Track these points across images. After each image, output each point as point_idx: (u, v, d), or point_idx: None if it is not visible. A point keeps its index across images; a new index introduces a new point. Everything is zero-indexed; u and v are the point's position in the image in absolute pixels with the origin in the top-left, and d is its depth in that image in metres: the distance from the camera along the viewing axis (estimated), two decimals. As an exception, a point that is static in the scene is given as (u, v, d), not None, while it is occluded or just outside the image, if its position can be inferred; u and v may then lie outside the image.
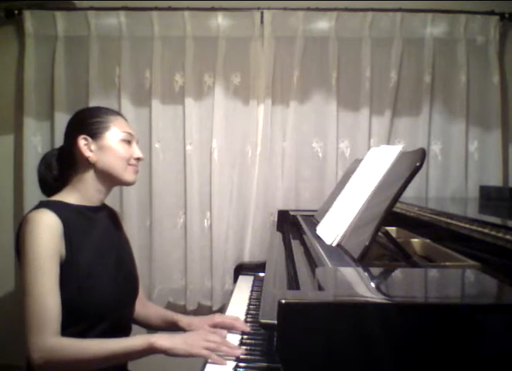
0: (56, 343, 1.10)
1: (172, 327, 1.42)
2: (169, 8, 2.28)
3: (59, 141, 2.29)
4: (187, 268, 2.32)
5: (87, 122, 1.29)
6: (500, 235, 0.98)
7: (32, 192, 2.29)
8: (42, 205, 1.23)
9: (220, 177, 2.31)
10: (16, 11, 2.29)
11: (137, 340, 1.14)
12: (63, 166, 1.34)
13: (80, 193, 1.29)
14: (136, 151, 1.33)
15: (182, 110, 2.32)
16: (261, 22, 2.27)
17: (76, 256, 1.20)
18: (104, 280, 1.25)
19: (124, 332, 1.32)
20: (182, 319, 1.41)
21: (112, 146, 1.29)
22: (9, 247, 2.40)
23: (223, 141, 2.32)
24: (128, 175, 1.31)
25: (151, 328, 1.50)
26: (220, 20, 2.28)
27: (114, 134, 1.30)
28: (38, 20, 2.29)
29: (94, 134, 1.28)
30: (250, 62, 2.30)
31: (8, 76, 2.40)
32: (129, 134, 1.33)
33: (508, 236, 0.95)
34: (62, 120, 2.30)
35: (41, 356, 1.08)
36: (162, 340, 1.13)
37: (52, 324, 1.10)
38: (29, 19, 2.28)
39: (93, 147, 1.28)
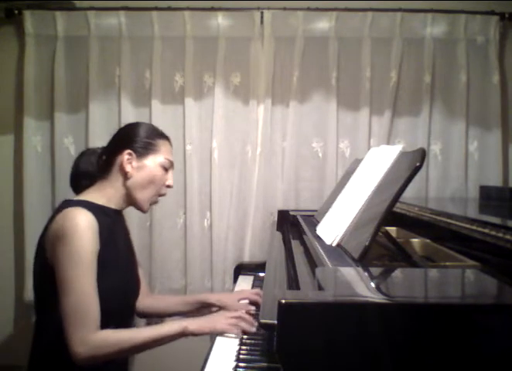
0: (99, 337, 1.16)
1: (199, 307, 1.53)
2: (169, 8, 2.27)
3: (59, 141, 2.31)
4: (187, 268, 2.32)
5: (139, 140, 1.36)
6: (500, 235, 0.98)
7: (32, 192, 2.29)
8: (74, 203, 1.26)
9: (220, 177, 2.31)
10: (16, 11, 2.29)
11: (172, 326, 1.24)
12: (99, 167, 1.39)
13: (107, 196, 1.34)
14: (169, 179, 1.40)
15: (182, 110, 2.32)
16: (261, 22, 2.27)
17: (102, 256, 1.23)
18: (118, 281, 1.29)
19: None
20: (210, 296, 1.55)
21: (151, 168, 1.35)
22: (9, 247, 2.41)
23: (223, 141, 2.31)
24: (146, 201, 1.37)
25: (168, 316, 1.59)
26: (220, 20, 2.28)
27: (157, 158, 1.36)
28: (38, 20, 2.29)
29: (140, 152, 1.34)
30: (250, 62, 2.30)
31: (8, 76, 2.40)
32: (170, 161, 1.39)
33: (508, 236, 0.95)
34: (62, 120, 2.31)
35: (86, 350, 1.14)
36: (192, 323, 1.25)
37: (94, 319, 1.16)
38: (29, 19, 2.28)
39: (134, 163, 1.33)
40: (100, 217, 1.25)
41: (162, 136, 1.42)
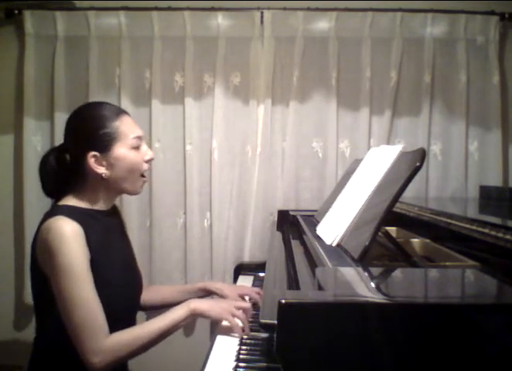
0: (112, 343, 1.14)
1: (200, 295, 1.50)
2: (169, 8, 2.27)
3: (59, 141, 2.29)
4: (187, 268, 2.32)
5: (95, 135, 1.23)
6: (500, 235, 0.98)
7: (32, 192, 2.28)
8: (57, 211, 1.21)
9: (220, 177, 2.31)
10: (16, 11, 2.29)
11: (179, 310, 1.22)
12: (66, 172, 1.28)
13: (91, 200, 1.28)
14: (147, 154, 1.31)
15: (182, 110, 2.32)
16: (261, 22, 2.27)
17: (95, 263, 1.20)
18: (119, 287, 1.27)
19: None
20: (210, 284, 1.54)
21: (123, 157, 1.25)
22: (9, 247, 2.41)
23: (223, 141, 2.31)
24: (138, 187, 1.31)
25: (168, 307, 1.52)
26: (220, 20, 2.28)
27: (123, 143, 1.25)
28: (38, 20, 2.29)
29: (104, 148, 1.23)
30: (250, 62, 2.30)
31: (8, 76, 2.40)
32: (137, 138, 1.28)
33: (508, 236, 0.95)
34: (62, 120, 2.28)
35: (103, 359, 1.12)
36: (200, 304, 1.24)
37: (102, 326, 1.14)
38: (29, 19, 2.28)
39: (104, 162, 1.24)
40: (87, 222, 1.20)
41: (116, 115, 1.26)
